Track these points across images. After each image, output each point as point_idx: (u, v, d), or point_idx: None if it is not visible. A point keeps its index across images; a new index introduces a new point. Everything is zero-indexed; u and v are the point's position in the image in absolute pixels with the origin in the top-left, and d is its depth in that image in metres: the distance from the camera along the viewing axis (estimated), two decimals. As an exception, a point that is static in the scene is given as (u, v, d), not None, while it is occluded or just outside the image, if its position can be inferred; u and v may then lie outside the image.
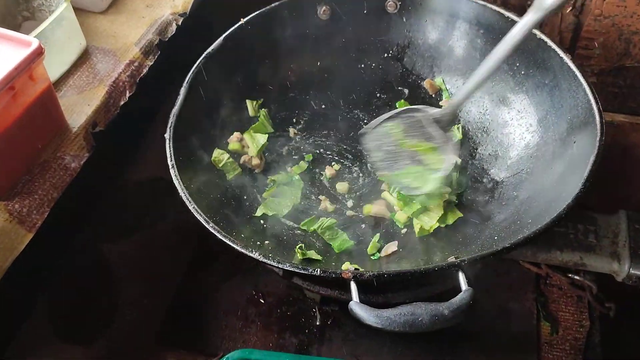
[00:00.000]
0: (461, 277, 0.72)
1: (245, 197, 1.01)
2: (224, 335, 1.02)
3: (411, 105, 1.09)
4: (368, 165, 1.05)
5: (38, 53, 0.81)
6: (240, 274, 1.09)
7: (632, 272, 0.96)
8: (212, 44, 1.05)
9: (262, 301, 1.06)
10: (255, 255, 0.77)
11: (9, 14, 1.01)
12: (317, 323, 1.03)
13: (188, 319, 1.05)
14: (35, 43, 0.81)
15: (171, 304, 1.07)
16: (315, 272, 0.74)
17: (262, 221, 0.97)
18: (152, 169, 1.18)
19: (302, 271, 0.75)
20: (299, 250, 0.88)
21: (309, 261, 0.90)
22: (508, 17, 1.04)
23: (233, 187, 1.01)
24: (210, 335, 1.02)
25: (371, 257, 0.92)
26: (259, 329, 1.03)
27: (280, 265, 0.75)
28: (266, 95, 1.13)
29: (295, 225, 0.97)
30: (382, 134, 0.96)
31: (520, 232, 0.81)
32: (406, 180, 0.94)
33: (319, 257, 0.88)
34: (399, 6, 1.14)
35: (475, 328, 1.02)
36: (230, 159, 1.02)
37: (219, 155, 1.01)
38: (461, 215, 0.96)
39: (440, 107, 1.12)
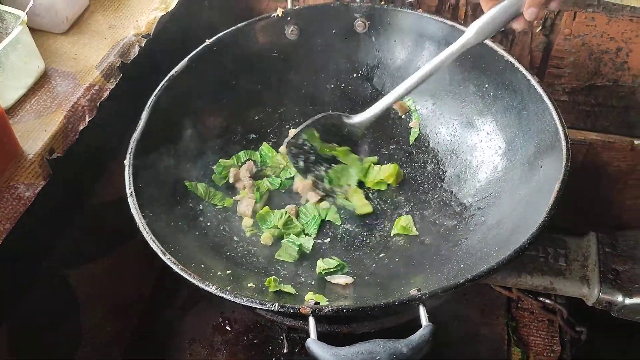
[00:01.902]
0: (422, 312, 0.71)
1: (210, 224, 0.98)
2: (189, 364, 1.00)
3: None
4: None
5: (-12, 81, 0.79)
6: (206, 299, 1.07)
7: (602, 296, 0.95)
8: (176, 65, 1.03)
9: (229, 328, 1.04)
10: (211, 289, 0.75)
11: (-36, 37, 0.98)
12: (285, 351, 1.01)
13: (152, 347, 1.03)
14: (-16, 71, 0.79)
15: (135, 330, 1.04)
16: (272, 307, 0.72)
17: (234, 253, 0.95)
18: (116, 192, 1.15)
19: (259, 306, 0.73)
20: (272, 282, 0.86)
21: (280, 294, 0.87)
22: (476, 38, 1.03)
23: (204, 213, 0.99)
24: (175, 364, 1.00)
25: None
26: (225, 358, 1.00)
27: (236, 300, 0.73)
28: (233, 117, 1.11)
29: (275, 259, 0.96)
30: (301, 143, 0.99)
31: (486, 261, 0.80)
32: (329, 183, 1.02)
33: (292, 291, 0.86)
34: (367, 26, 1.12)
35: (447, 354, 1.00)
36: (212, 190, 1.02)
37: (191, 184, 1.01)
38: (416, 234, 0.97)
39: (409, 129, 1.12)
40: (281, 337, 1.01)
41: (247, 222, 1.00)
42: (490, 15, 0.84)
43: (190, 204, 0.99)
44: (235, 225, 1.00)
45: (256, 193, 1.03)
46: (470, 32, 0.86)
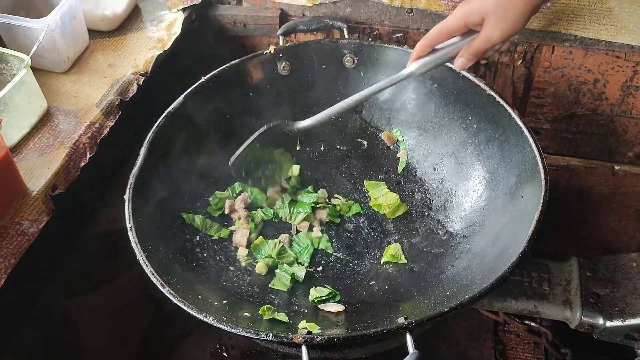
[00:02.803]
0: (409, 340, 0.74)
1: (207, 254, 1.02)
2: (187, 391, 1.03)
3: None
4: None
5: (-5, 123, 0.83)
6: (204, 326, 1.10)
7: (584, 319, 0.99)
8: (172, 102, 1.08)
9: (226, 355, 1.07)
10: (208, 319, 0.78)
11: (-29, 79, 1.02)
12: (280, 377, 1.04)
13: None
14: (-8, 113, 0.83)
15: (135, 358, 1.07)
16: (267, 337, 0.76)
17: (230, 283, 0.99)
18: (113, 222, 1.19)
19: (254, 336, 0.76)
20: (266, 310, 0.89)
21: (274, 322, 0.91)
22: (460, 72, 1.08)
23: (200, 245, 1.03)
24: (173, 392, 1.02)
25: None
26: (222, 384, 1.04)
27: (232, 330, 0.77)
28: (228, 150, 1.15)
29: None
30: (245, 158, 1.03)
31: (470, 288, 0.84)
32: (266, 183, 1.11)
33: (285, 319, 0.89)
34: (356, 61, 1.17)
35: (436, 377, 1.04)
36: (208, 222, 1.06)
37: (188, 216, 1.05)
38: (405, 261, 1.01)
39: (397, 159, 1.16)
40: (276, 364, 1.04)
41: (243, 252, 1.03)
42: (425, 60, 0.90)
43: (187, 236, 1.03)
44: (231, 255, 1.04)
45: (251, 223, 1.07)
46: (407, 72, 0.93)
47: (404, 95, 1.17)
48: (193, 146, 1.10)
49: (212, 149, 1.13)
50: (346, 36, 1.19)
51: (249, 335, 0.77)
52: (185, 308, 0.81)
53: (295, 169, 1.15)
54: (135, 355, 1.07)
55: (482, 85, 1.05)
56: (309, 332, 0.78)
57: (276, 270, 1.01)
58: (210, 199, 1.09)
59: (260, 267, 1.01)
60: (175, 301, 0.82)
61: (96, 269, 1.17)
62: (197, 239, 1.03)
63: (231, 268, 1.02)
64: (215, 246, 1.04)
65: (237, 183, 1.13)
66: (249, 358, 1.06)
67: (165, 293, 0.83)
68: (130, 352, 1.08)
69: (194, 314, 0.80)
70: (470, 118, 1.09)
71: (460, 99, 1.10)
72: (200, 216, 1.06)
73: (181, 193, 1.06)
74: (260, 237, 1.05)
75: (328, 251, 1.05)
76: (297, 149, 1.17)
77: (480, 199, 1.03)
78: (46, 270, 1.11)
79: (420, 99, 1.15)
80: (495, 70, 1.25)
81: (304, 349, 0.75)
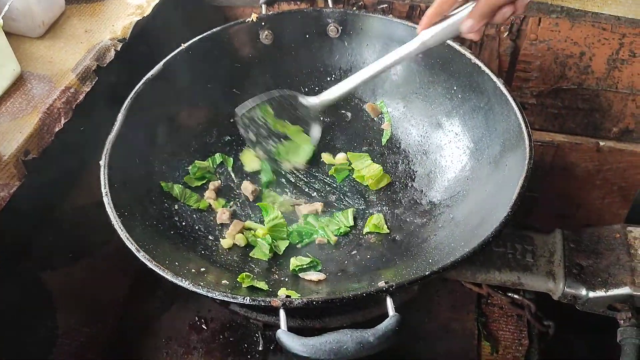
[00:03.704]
0: (389, 303, 0.73)
1: (186, 223, 1.00)
2: (165, 363, 1.01)
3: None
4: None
5: (-37, 82, 0.80)
6: (182, 299, 1.08)
7: (567, 290, 0.98)
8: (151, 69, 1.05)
9: (205, 327, 1.05)
10: (184, 284, 0.77)
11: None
12: (260, 348, 1.02)
13: (128, 347, 1.03)
14: (-40, 72, 0.80)
15: (112, 332, 1.05)
16: (245, 301, 0.74)
17: (208, 252, 0.97)
18: (92, 194, 1.16)
19: (232, 300, 0.75)
20: (245, 278, 0.87)
21: (253, 289, 0.89)
22: (445, 42, 1.06)
23: (179, 213, 1.01)
24: (151, 363, 1.00)
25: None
26: (201, 356, 1.02)
27: (209, 294, 0.75)
28: (208, 119, 1.13)
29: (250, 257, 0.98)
30: (255, 116, 1.00)
31: (452, 255, 0.82)
32: (278, 157, 1.05)
33: (265, 287, 0.87)
34: (340, 31, 1.15)
35: (418, 348, 1.03)
36: (187, 191, 1.04)
37: (167, 185, 1.02)
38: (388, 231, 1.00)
39: (382, 130, 1.15)
40: (256, 335, 1.03)
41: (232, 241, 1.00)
42: (436, 29, 0.86)
43: (166, 204, 1.00)
44: (210, 225, 1.02)
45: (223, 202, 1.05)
46: (418, 41, 0.89)
47: (389, 65, 1.15)
48: (173, 114, 1.08)
49: (193, 117, 1.11)
50: (330, 5, 1.17)
51: (226, 299, 0.75)
52: (161, 272, 0.79)
53: None
54: (111, 328, 1.05)
55: (468, 55, 1.04)
56: (288, 297, 0.77)
57: (257, 240, 0.99)
58: (190, 168, 1.07)
59: (240, 239, 0.99)
60: (150, 265, 0.80)
61: (74, 242, 1.14)
62: (176, 207, 1.01)
63: (210, 237, 1.00)
64: (194, 215, 1.02)
65: (217, 154, 1.11)
66: (228, 330, 1.04)
67: (141, 257, 0.81)
68: (106, 325, 1.05)
69: (169, 278, 0.78)
70: (455, 88, 1.07)
71: (445, 68, 1.08)
72: (180, 185, 1.03)
73: (160, 161, 1.04)
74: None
75: (313, 224, 1.03)
76: (318, 135, 1.04)
77: (464, 169, 1.02)
78: (22, 241, 1.08)
79: (404, 69, 1.13)
80: (481, 43, 1.24)
81: (282, 313, 0.73)
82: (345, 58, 1.18)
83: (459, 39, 1.11)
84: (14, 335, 1.03)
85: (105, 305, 1.08)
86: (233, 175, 1.10)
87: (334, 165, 1.11)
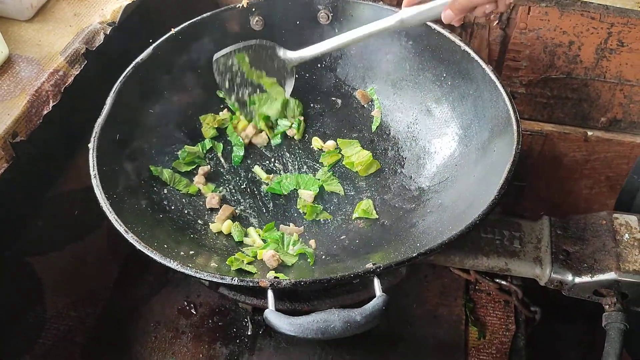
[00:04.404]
0: (376, 284, 0.73)
1: (175, 207, 1.00)
2: (153, 347, 1.01)
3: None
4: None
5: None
6: (171, 284, 1.08)
7: (553, 276, 0.99)
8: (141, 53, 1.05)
9: (194, 312, 1.05)
10: (172, 264, 0.77)
11: None
12: (249, 333, 1.02)
13: (116, 331, 1.03)
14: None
15: (100, 316, 1.05)
16: (233, 281, 0.74)
17: (197, 235, 0.97)
18: (82, 180, 1.16)
19: (220, 280, 0.75)
20: (234, 260, 0.88)
21: (242, 272, 0.89)
22: (434, 29, 1.07)
23: (168, 197, 1.00)
24: (138, 347, 1.00)
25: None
26: (190, 340, 1.02)
27: (197, 275, 0.75)
28: (198, 104, 1.13)
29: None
30: (230, 62, 1.00)
31: (439, 239, 0.83)
32: (251, 106, 1.06)
33: (254, 270, 0.87)
34: (330, 17, 1.15)
35: (406, 334, 1.03)
36: (177, 176, 1.04)
37: (156, 169, 1.02)
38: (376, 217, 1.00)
39: (371, 117, 1.15)
40: (245, 320, 1.03)
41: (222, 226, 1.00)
42: (417, 9, 0.91)
43: (155, 188, 1.00)
44: (199, 209, 1.02)
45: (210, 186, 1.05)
46: (397, 17, 0.93)
47: (379, 52, 1.15)
48: (163, 99, 1.08)
49: (183, 102, 1.10)
50: (321, -9, 1.17)
51: (214, 279, 0.75)
52: (149, 253, 0.79)
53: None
54: (100, 313, 1.05)
55: (458, 42, 1.04)
56: (276, 277, 0.77)
57: (248, 229, 0.99)
58: (179, 152, 1.07)
59: (227, 227, 0.98)
60: (138, 247, 0.80)
61: (63, 227, 1.14)
62: (165, 192, 1.01)
63: (200, 222, 1.00)
64: (184, 200, 1.02)
65: (207, 140, 1.11)
66: (217, 315, 1.04)
67: (129, 239, 0.81)
68: (95, 310, 1.05)
69: (157, 259, 0.78)
70: (444, 75, 1.08)
71: (435, 55, 1.09)
72: (169, 170, 1.03)
73: (149, 146, 1.04)
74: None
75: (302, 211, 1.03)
76: (291, 88, 1.05)
77: (453, 156, 1.02)
78: (10, 225, 1.07)
79: (395, 56, 1.14)
80: (471, 32, 1.24)
81: (270, 293, 0.73)
82: (337, 46, 1.17)
83: (449, 26, 1.13)
84: (1, 320, 1.02)
85: (94, 289, 1.08)
86: (223, 161, 1.10)
87: (323, 151, 1.11)
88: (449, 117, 1.06)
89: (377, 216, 1.00)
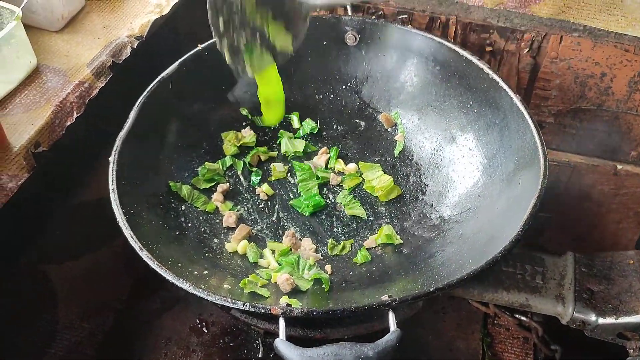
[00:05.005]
0: (391, 318, 0.71)
1: (192, 225, 0.99)
2: (163, 364, 1.00)
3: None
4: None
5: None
6: (184, 301, 1.07)
7: (576, 315, 0.96)
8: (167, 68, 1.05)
9: (206, 330, 1.04)
10: (185, 286, 0.76)
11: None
12: (260, 355, 1.01)
13: (127, 345, 1.03)
14: (-26, 62, 0.80)
15: (111, 329, 1.04)
16: (244, 307, 0.73)
17: (213, 255, 0.96)
18: (99, 191, 1.16)
19: (231, 305, 0.73)
20: (247, 283, 0.86)
21: (255, 296, 0.88)
22: (463, 55, 1.05)
23: (185, 214, 1.00)
24: (148, 364, 1.00)
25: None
26: (200, 359, 1.00)
27: (209, 298, 0.74)
28: (221, 121, 1.12)
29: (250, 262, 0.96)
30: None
31: (459, 272, 0.80)
32: (245, 56, 0.86)
33: (267, 294, 0.86)
34: (358, 39, 1.14)
35: (420, 366, 1.01)
36: (195, 193, 1.03)
37: (175, 185, 1.02)
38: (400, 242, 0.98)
39: (394, 142, 1.13)
40: (257, 342, 1.01)
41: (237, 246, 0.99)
42: None
43: (173, 204, 1.00)
44: (216, 227, 1.01)
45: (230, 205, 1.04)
46: None
47: (405, 76, 1.14)
48: (185, 114, 1.08)
49: (205, 118, 1.10)
50: (349, 13, 1.16)
51: (226, 303, 0.74)
52: (162, 273, 0.78)
53: (300, 144, 1.12)
54: (111, 326, 1.04)
55: (486, 69, 1.03)
56: (288, 305, 0.75)
57: (264, 250, 0.97)
58: (199, 169, 1.06)
59: (243, 248, 0.97)
60: (152, 265, 0.79)
61: (78, 237, 1.14)
62: (183, 208, 1.00)
63: (215, 240, 0.99)
64: (201, 217, 1.01)
65: (227, 157, 1.10)
66: (229, 335, 1.02)
67: (143, 256, 0.80)
68: (106, 323, 1.05)
69: (170, 279, 0.77)
70: (471, 102, 1.06)
71: (462, 82, 1.07)
72: (188, 186, 1.03)
73: (169, 161, 1.03)
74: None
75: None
76: (301, 39, 0.85)
77: (476, 186, 1.00)
78: (27, 233, 1.08)
79: (421, 80, 1.12)
80: (500, 59, 1.22)
81: (281, 321, 0.72)
82: (362, 67, 1.17)
83: (478, 52, 1.11)
84: (14, 328, 1.02)
85: (106, 301, 1.07)
86: (242, 179, 1.09)
87: (344, 174, 1.09)
88: (473, 146, 1.04)
89: (402, 241, 0.97)
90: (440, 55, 1.09)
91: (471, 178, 1.02)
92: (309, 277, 0.92)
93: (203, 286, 0.78)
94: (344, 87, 1.18)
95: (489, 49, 1.21)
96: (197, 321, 1.04)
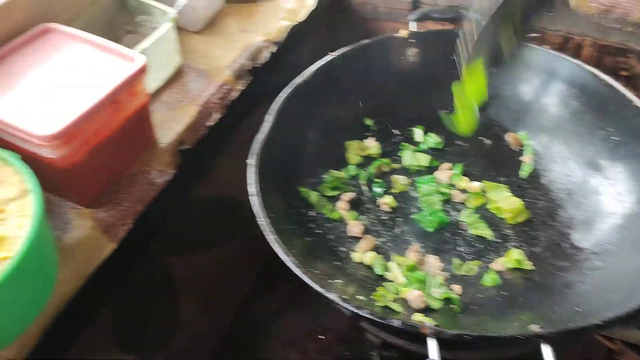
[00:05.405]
0: (547, 353, 0.69)
1: (321, 231, 1.00)
2: (281, 366, 1.01)
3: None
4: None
5: (142, 70, 0.83)
6: (301, 304, 1.08)
7: None
8: (299, 73, 1.06)
9: (322, 337, 1.04)
10: (334, 297, 0.76)
11: (113, 27, 1.04)
12: (376, 368, 1.00)
13: (245, 344, 1.04)
14: (141, 60, 0.83)
15: (230, 326, 1.06)
16: (395, 324, 0.73)
17: (340, 263, 0.96)
18: (220, 188, 1.19)
19: (382, 321, 0.73)
20: (379, 296, 0.86)
21: (387, 310, 0.88)
22: (602, 79, 1.02)
23: (314, 221, 1.01)
24: (267, 363, 1.01)
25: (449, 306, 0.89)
26: (316, 366, 1.01)
27: (360, 313, 0.74)
28: (344, 133, 1.13)
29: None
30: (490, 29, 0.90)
31: (609, 309, 0.77)
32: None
33: (399, 310, 0.86)
34: (493, 57, 1.12)
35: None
36: (323, 199, 1.03)
37: (305, 191, 1.03)
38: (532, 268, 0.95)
39: (521, 163, 1.10)
40: (373, 353, 1.01)
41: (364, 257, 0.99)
42: None
43: (302, 210, 1.01)
44: (341, 236, 1.01)
45: (353, 213, 1.04)
46: None
47: (537, 96, 1.11)
48: (315, 120, 1.09)
49: (333, 125, 1.11)
50: (483, 29, 1.14)
51: (376, 319, 0.74)
52: (309, 282, 0.78)
53: (424, 159, 1.11)
54: (230, 323, 1.07)
55: (630, 96, 0.99)
56: (437, 325, 0.74)
57: (389, 263, 0.97)
58: (325, 176, 1.07)
59: (368, 259, 0.97)
60: (297, 272, 0.80)
61: (202, 232, 1.17)
62: (311, 214, 1.01)
63: (342, 249, 0.99)
64: (328, 224, 1.02)
65: (352, 166, 1.11)
66: (344, 344, 1.03)
67: (287, 263, 0.81)
68: (226, 319, 1.07)
69: (318, 289, 0.78)
70: (610, 129, 1.02)
71: (601, 107, 1.03)
72: (316, 193, 1.04)
73: (299, 166, 1.05)
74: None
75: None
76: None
77: (615, 217, 0.96)
78: (157, 226, 1.11)
79: (555, 102, 1.09)
80: (637, 84, 1.17)
81: (432, 343, 0.71)
82: (491, 84, 1.14)
83: (612, 75, 1.06)
84: (137, 316, 1.06)
85: (225, 298, 1.10)
86: (365, 189, 1.09)
87: (468, 191, 1.08)
88: (612, 175, 1.00)
89: (534, 268, 0.95)
90: (578, 78, 1.06)
91: (608, 208, 0.98)
92: (438, 295, 0.91)
93: (346, 297, 0.78)
94: (470, 103, 1.16)
95: (624, 73, 1.16)
96: (314, 326, 1.05)
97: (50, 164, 0.77)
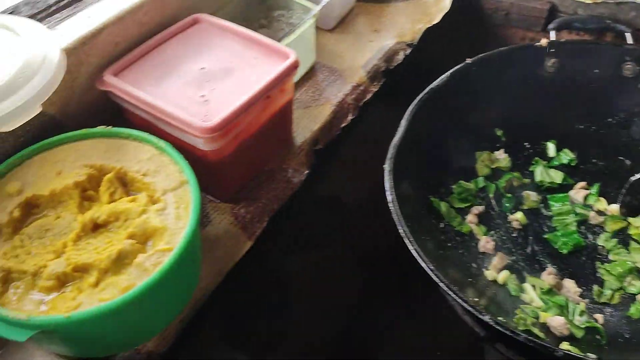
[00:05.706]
0: None
1: (451, 244, 0.96)
2: (397, 381, 0.97)
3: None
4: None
5: (294, 66, 0.81)
6: (417, 316, 1.04)
7: None
8: (434, 78, 1.02)
9: (439, 353, 1.00)
10: (486, 318, 0.72)
11: (249, 20, 1.02)
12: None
13: (357, 352, 1.01)
14: (293, 56, 0.81)
15: (342, 331, 1.03)
16: (559, 354, 0.68)
17: (472, 279, 0.92)
18: (332, 189, 1.16)
19: (544, 349, 0.68)
20: (518, 319, 0.81)
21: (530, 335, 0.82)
22: None
23: (444, 232, 0.97)
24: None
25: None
26: (432, 385, 0.97)
27: (519, 338, 0.69)
28: (473, 143, 1.08)
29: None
30: None
31: None
32: None
33: (542, 335, 0.80)
34: (637, 72, 1.05)
35: None
36: (452, 211, 0.99)
37: (436, 201, 0.99)
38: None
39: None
40: (495, 377, 0.96)
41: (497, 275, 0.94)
42: None
43: (433, 220, 0.97)
44: (472, 251, 0.97)
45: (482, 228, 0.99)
46: None
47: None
48: (446, 128, 1.04)
49: (463, 133, 1.06)
50: (630, 42, 1.07)
51: (538, 347, 0.69)
52: (461, 302, 0.74)
53: (557, 176, 1.06)
54: (342, 329, 1.03)
55: None
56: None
57: (524, 285, 0.92)
58: (454, 186, 1.03)
59: (502, 278, 0.92)
60: (445, 288, 0.76)
61: (312, 232, 1.15)
62: (441, 226, 0.97)
63: (474, 265, 0.94)
64: (458, 238, 0.97)
65: (480, 178, 1.06)
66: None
67: (433, 276, 0.77)
68: (337, 324, 1.04)
69: (468, 307, 0.73)
70: None
71: None
72: (446, 203, 0.99)
73: (430, 174, 1.00)
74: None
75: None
76: None
77: None
78: (282, 225, 1.10)
79: None
80: None
81: (598, 377, 0.65)
82: (635, 101, 1.07)
83: None
84: (248, 314, 1.04)
85: (336, 301, 1.06)
86: (494, 203, 1.04)
87: (606, 214, 1.01)
88: None
89: (687, 296, 0.88)
90: None
91: None
92: (580, 324, 0.85)
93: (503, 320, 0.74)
94: (610, 120, 1.09)
95: None
96: (432, 340, 1.00)
97: (201, 156, 0.76)
